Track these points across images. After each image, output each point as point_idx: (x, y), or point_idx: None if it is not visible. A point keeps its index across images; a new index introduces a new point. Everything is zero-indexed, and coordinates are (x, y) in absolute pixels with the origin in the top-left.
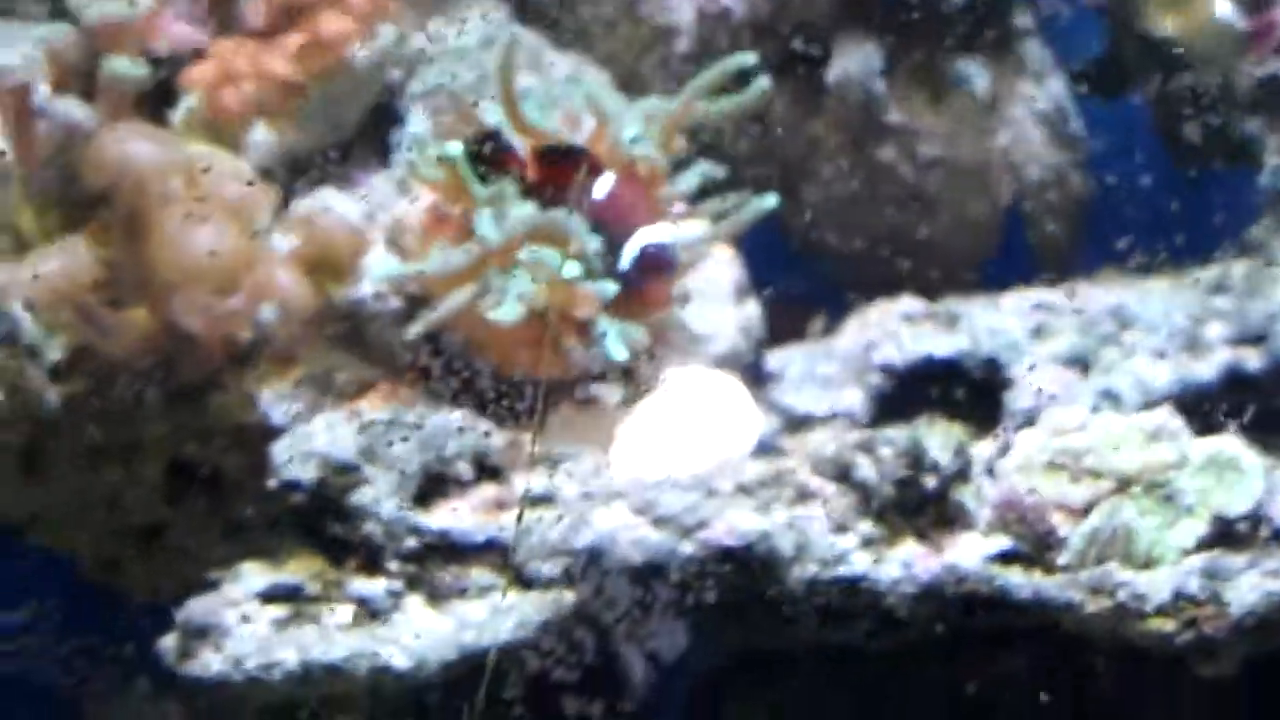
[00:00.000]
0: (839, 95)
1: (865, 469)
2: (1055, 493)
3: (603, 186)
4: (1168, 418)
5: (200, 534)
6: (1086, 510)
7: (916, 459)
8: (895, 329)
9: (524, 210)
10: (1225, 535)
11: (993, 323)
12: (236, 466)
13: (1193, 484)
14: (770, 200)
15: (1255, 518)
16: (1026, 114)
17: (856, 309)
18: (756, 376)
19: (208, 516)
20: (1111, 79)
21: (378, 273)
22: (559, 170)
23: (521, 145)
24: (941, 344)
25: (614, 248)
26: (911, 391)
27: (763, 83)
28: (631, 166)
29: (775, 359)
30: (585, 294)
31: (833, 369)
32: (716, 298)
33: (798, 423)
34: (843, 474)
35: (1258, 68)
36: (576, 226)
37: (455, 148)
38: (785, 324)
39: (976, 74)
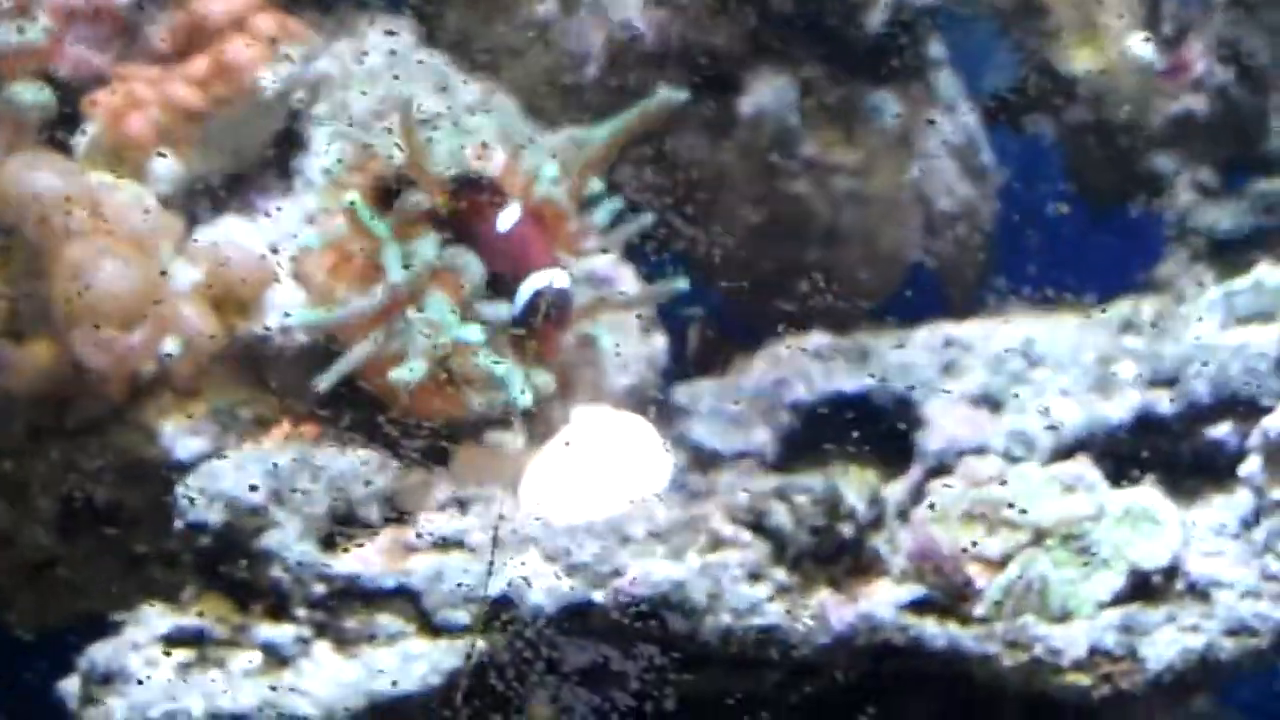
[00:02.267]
0: (752, 128)
1: (781, 516)
2: (972, 543)
3: (508, 219)
4: (1085, 469)
5: (95, 569)
6: (1003, 562)
7: (833, 506)
8: (805, 365)
9: (427, 249)
10: (1142, 588)
11: (903, 359)
12: (136, 501)
13: (1109, 536)
14: (645, 218)
15: (1171, 570)
16: (938, 146)
17: (765, 343)
18: (664, 411)
19: (104, 552)
20: (1021, 110)
21: (290, 320)
22: (467, 200)
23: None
24: (851, 381)
25: (512, 287)
26: (821, 429)
27: (677, 94)
28: (541, 203)
29: (683, 393)
30: (473, 347)
31: (742, 405)
32: (623, 329)
33: (706, 460)
34: (758, 521)
35: (1170, 104)
36: (472, 267)
37: (352, 197)
38: (695, 357)
39: (889, 105)
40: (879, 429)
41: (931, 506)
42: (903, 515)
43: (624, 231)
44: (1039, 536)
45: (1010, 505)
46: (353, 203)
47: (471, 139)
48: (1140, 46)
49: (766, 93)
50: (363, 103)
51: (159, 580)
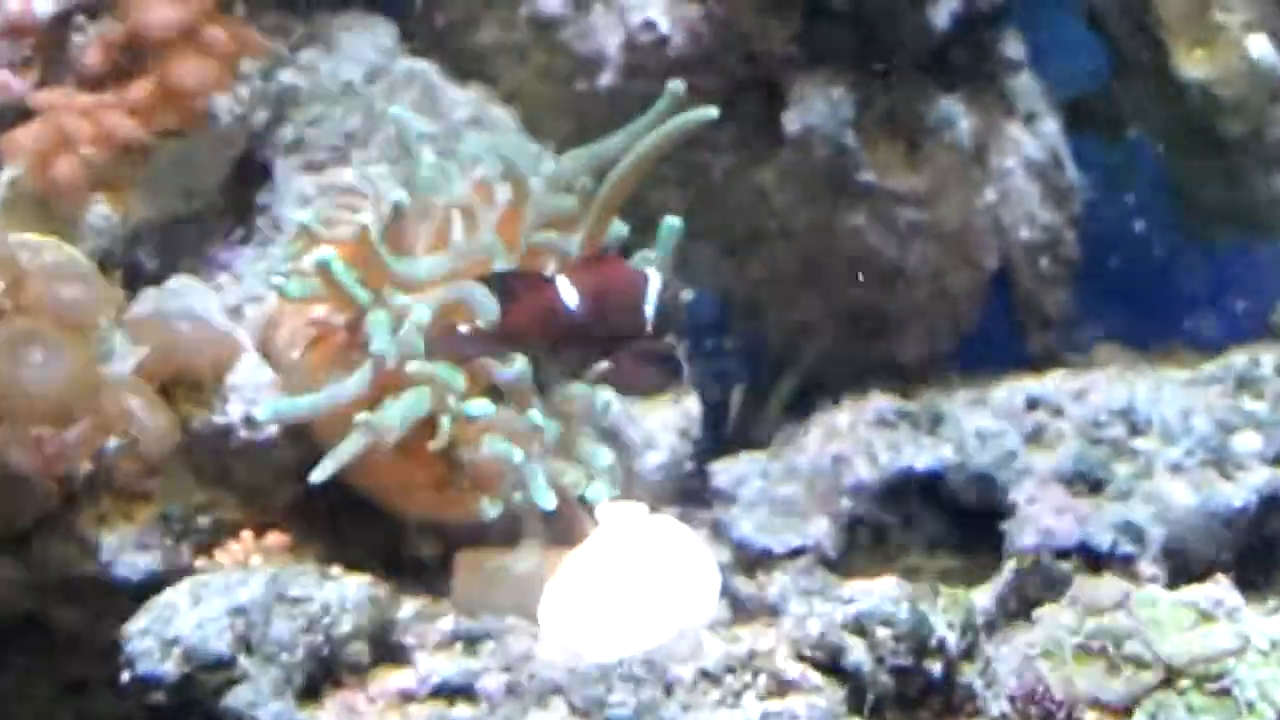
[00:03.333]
0: (800, 148)
1: (858, 653)
2: (1089, 685)
3: (569, 293)
4: (1224, 591)
5: (25, 700)
6: (1128, 709)
7: (920, 641)
8: (866, 437)
9: (421, 317)
10: None
11: (981, 425)
12: (71, 622)
13: (1254, 675)
14: (674, 222)
15: None
16: (1017, 164)
17: (818, 407)
18: (701, 494)
19: (36, 678)
20: (1112, 117)
21: (262, 414)
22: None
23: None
24: (923, 456)
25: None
26: (887, 516)
27: (709, 111)
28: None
29: (724, 473)
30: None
31: (794, 489)
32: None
33: (753, 557)
34: (831, 660)
35: None
36: (484, 297)
37: (328, 254)
38: (737, 426)
39: (959, 116)
40: (956, 514)
41: (1038, 636)
42: (989, 627)
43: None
44: (1171, 677)
45: (1134, 637)
46: (326, 263)
47: (461, 170)
48: (1261, 48)
49: (817, 105)
50: (338, 123)
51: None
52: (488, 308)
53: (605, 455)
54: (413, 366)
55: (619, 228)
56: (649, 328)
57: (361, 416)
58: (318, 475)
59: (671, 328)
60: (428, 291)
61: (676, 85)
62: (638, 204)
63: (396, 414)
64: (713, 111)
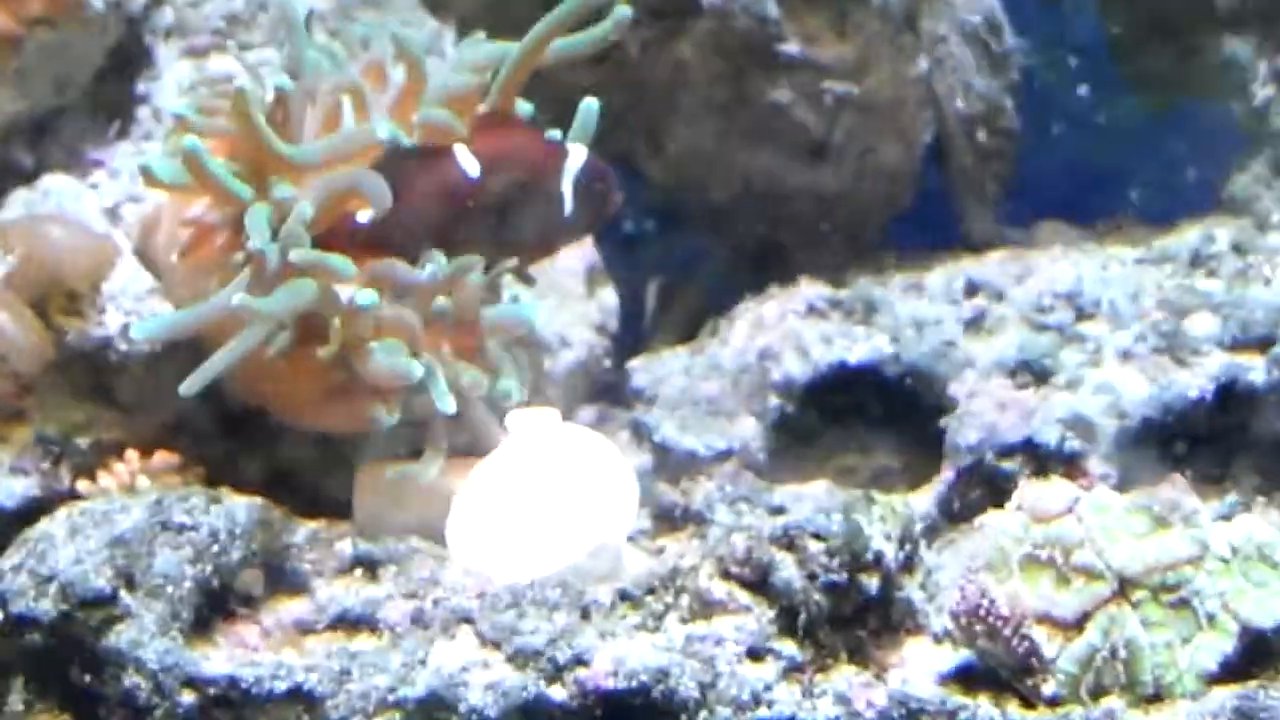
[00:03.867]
0: (719, 17)
1: (788, 570)
2: (1037, 599)
3: (468, 161)
4: (1181, 494)
5: None
6: (1079, 624)
7: (855, 555)
8: (796, 329)
9: (304, 209)
10: (1259, 654)
11: (918, 313)
12: None
13: (1215, 584)
14: (592, 105)
15: None
16: (951, 30)
17: (741, 290)
18: (619, 394)
19: None
20: None
21: (135, 333)
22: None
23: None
24: (856, 348)
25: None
26: (819, 413)
27: (624, 10)
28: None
29: (643, 370)
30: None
31: (719, 386)
32: (563, 285)
33: (677, 463)
34: (759, 577)
35: None
36: (372, 182)
37: (194, 141)
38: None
39: None
40: (893, 410)
41: (983, 546)
42: (930, 533)
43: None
44: (1124, 588)
45: (1085, 545)
46: (195, 150)
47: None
48: None
49: None
50: (220, 4)
51: None
52: (379, 193)
53: (512, 355)
54: (296, 255)
55: (524, 107)
56: (567, 210)
57: (239, 298)
58: (188, 387)
59: (597, 215)
60: (311, 182)
61: None
62: (547, 82)
63: (280, 301)
64: (624, 10)
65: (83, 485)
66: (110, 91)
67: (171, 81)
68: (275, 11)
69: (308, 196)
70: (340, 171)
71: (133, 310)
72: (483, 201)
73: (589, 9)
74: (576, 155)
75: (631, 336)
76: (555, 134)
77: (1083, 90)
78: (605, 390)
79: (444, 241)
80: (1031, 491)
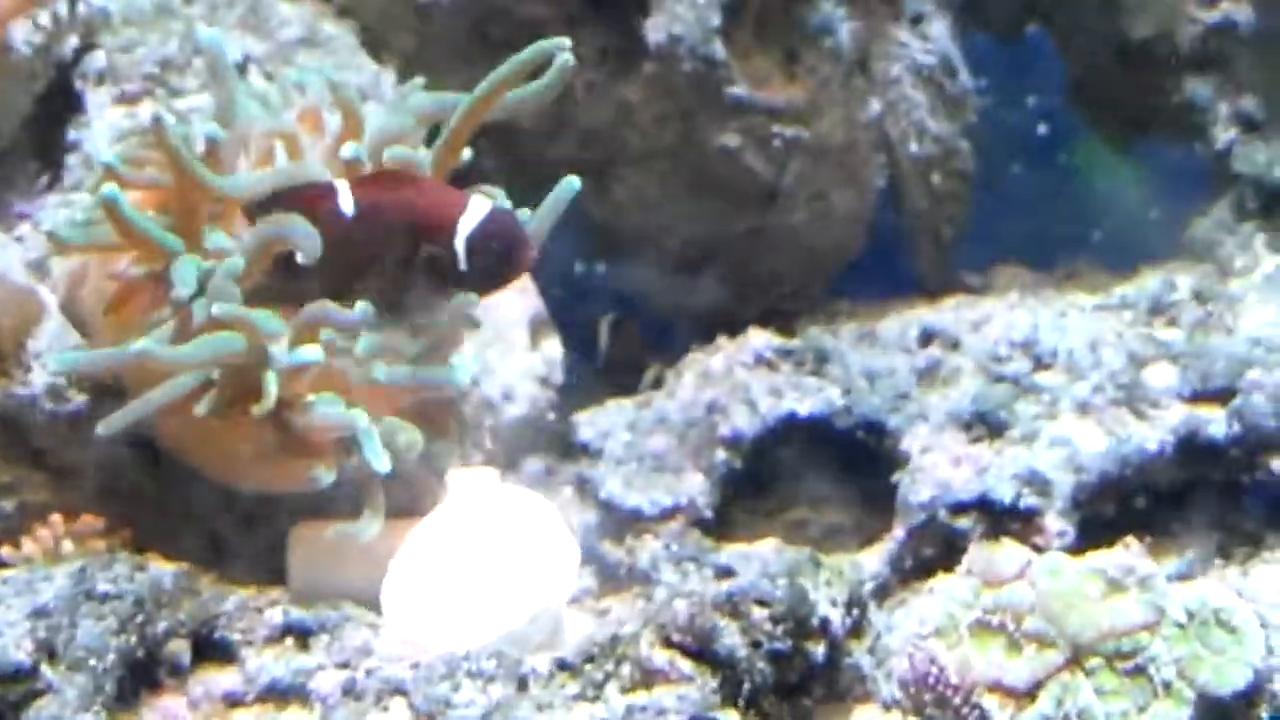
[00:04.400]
0: (664, 60)
1: (731, 637)
2: (988, 667)
3: (345, 199)
4: (1135, 558)
5: None
6: (1031, 693)
7: (799, 620)
8: (744, 380)
9: (234, 264)
10: None
11: (870, 363)
12: None
13: (1171, 651)
14: (572, 183)
15: (1252, 696)
16: (904, 71)
17: (690, 347)
18: (564, 448)
19: None
20: (1007, 15)
21: (54, 364)
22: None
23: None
24: (806, 400)
25: (418, 259)
26: (769, 467)
27: (566, 59)
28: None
29: (589, 424)
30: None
31: (665, 441)
32: (506, 336)
33: (621, 519)
34: (701, 645)
35: (1206, 11)
36: (302, 230)
37: (113, 189)
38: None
39: (839, 20)
40: (845, 464)
41: (932, 610)
42: (881, 591)
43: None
44: (1078, 655)
45: (1038, 611)
46: (112, 199)
47: (286, 97)
48: None
49: (681, 12)
50: (153, 49)
51: None
52: (309, 241)
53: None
54: (220, 309)
55: (465, 156)
56: (462, 265)
57: (143, 344)
58: (106, 426)
59: (494, 274)
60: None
61: (559, 42)
62: (490, 123)
63: (198, 350)
64: (566, 42)
65: (5, 551)
66: (39, 139)
67: (103, 128)
68: (207, 57)
69: (237, 249)
70: (268, 220)
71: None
72: (359, 242)
73: (536, 62)
74: (475, 210)
75: (575, 383)
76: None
77: (1041, 131)
78: (551, 442)
79: (334, 279)
80: (982, 555)
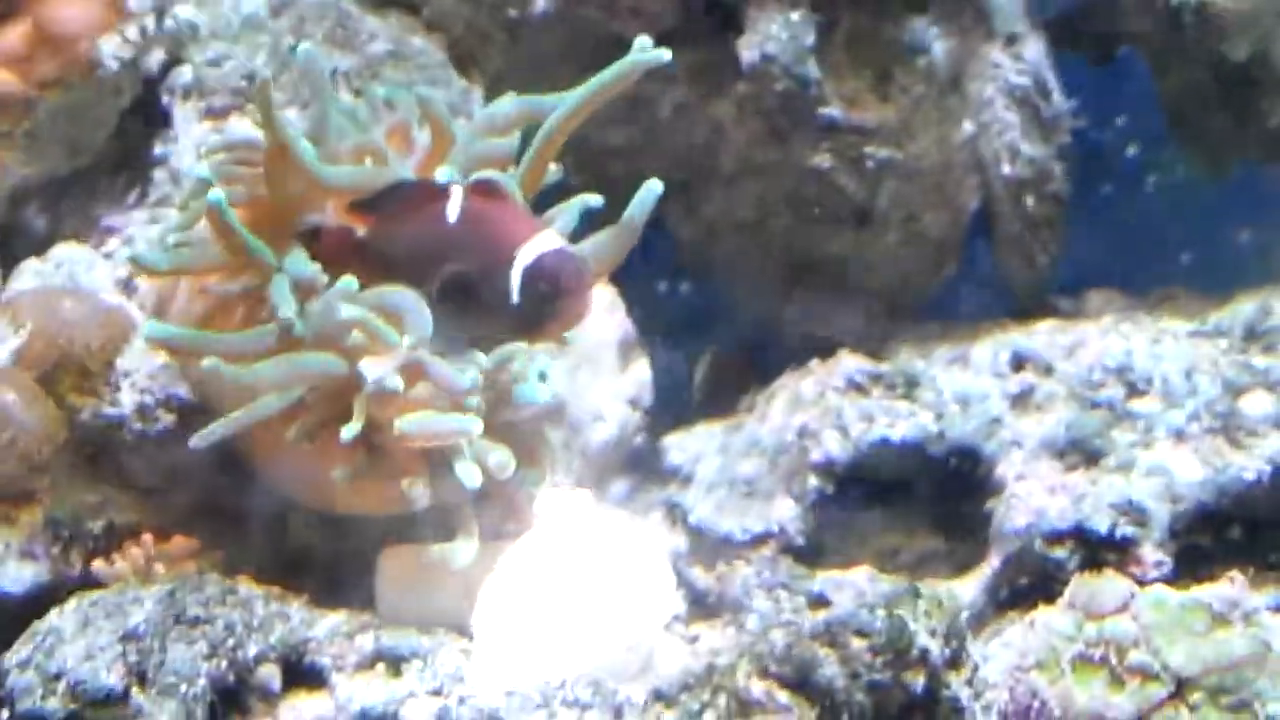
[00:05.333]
0: (757, 79)
1: (830, 669)
2: (1090, 700)
3: (454, 207)
4: (1239, 592)
5: None
6: None
7: (899, 651)
8: (836, 405)
9: (346, 285)
10: None
11: (963, 388)
12: None
13: (1276, 686)
14: (655, 187)
15: None
16: (997, 92)
17: (781, 369)
18: (653, 469)
19: None
20: (1100, 36)
21: (145, 332)
22: (393, 210)
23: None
24: (898, 425)
25: (488, 282)
26: (860, 494)
27: (662, 53)
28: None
29: (678, 448)
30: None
31: (756, 466)
32: (595, 358)
33: (713, 547)
34: (799, 676)
35: None
36: (417, 311)
37: (219, 194)
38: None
39: (933, 40)
40: (937, 490)
41: (1033, 643)
42: (977, 620)
43: (604, 244)
44: (1181, 689)
45: (1141, 644)
46: (215, 202)
47: (375, 113)
48: None
49: (775, 32)
50: (241, 62)
51: None
52: (420, 325)
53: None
54: (348, 311)
55: (589, 200)
56: (514, 299)
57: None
58: (198, 440)
59: (538, 317)
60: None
61: (645, 41)
62: (578, 142)
63: (308, 366)
64: (666, 55)
65: (98, 565)
66: (126, 154)
67: (189, 143)
68: (301, 71)
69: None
70: (392, 292)
71: (146, 388)
72: (450, 248)
73: (624, 81)
74: (536, 245)
75: (664, 406)
76: (565, 217)
77: (1134, 153)
78: (638, 465)
79: (419, 277)
80: (1084, 588)
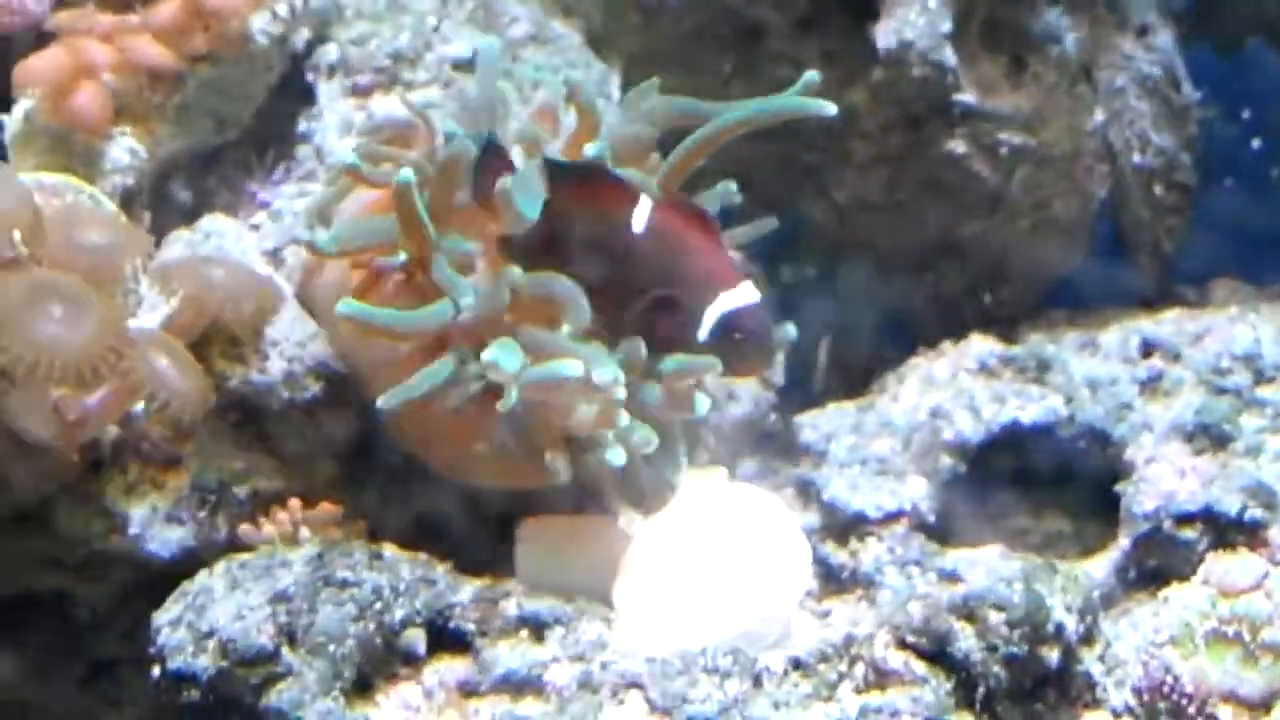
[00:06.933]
0: (893, 65)
1: (967, 641)
2: (1223, 677)
3: (641, 216)
4: None
5: (48, 683)
6: (1267, 704)
7: (1035, 625)
8: (967, 386)
9: (512, 271)
10: None
11: (1092, 373)
12: (97, 600)
13: None
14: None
15: None
16: (1128, 81)
17: (913, 351)
18: (786, 448)
19: (59, 659)
20: (1231, 26)
21: (340, 308)
22: (578, 193)
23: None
24: (1029, 407)
25: (673, 304)
26: (991, 474)
27: (811, 75)
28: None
29: (811, 426)
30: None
31: (888, 445)
32: None
33: (845, 522)
34: (936, 647)
35: None
36: (577, 299)
37: (409, 175)
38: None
39: (1066, 29)
40: (1067, 472)
41: (1167, 620)
42: (1106, 600)
43: (744, 233)
44: None
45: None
46: (405, 181)
47: (521, 95)
48: None
49: (912, 17)
50: (386, 41)
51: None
52: (577, 311)
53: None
54: (531, 281)
55: (729, 187)
56: (702, 337)
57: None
58: (385, 401)
59: (726, 360)
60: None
61: (812, 76)
62: None
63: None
64: (831, 108)
65: (245, 529)
66: (273, 129)
67: (334, 121)
68: (479, 64)
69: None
70: (552, 277)
71: (294, 356)
72: (630, 261)
73: (793, 115)
74: (743, 294)
75: (795, 386)
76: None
77: (1261, 144)
78: (769, 443)
79: (595, 273)
80: (1219, 565)
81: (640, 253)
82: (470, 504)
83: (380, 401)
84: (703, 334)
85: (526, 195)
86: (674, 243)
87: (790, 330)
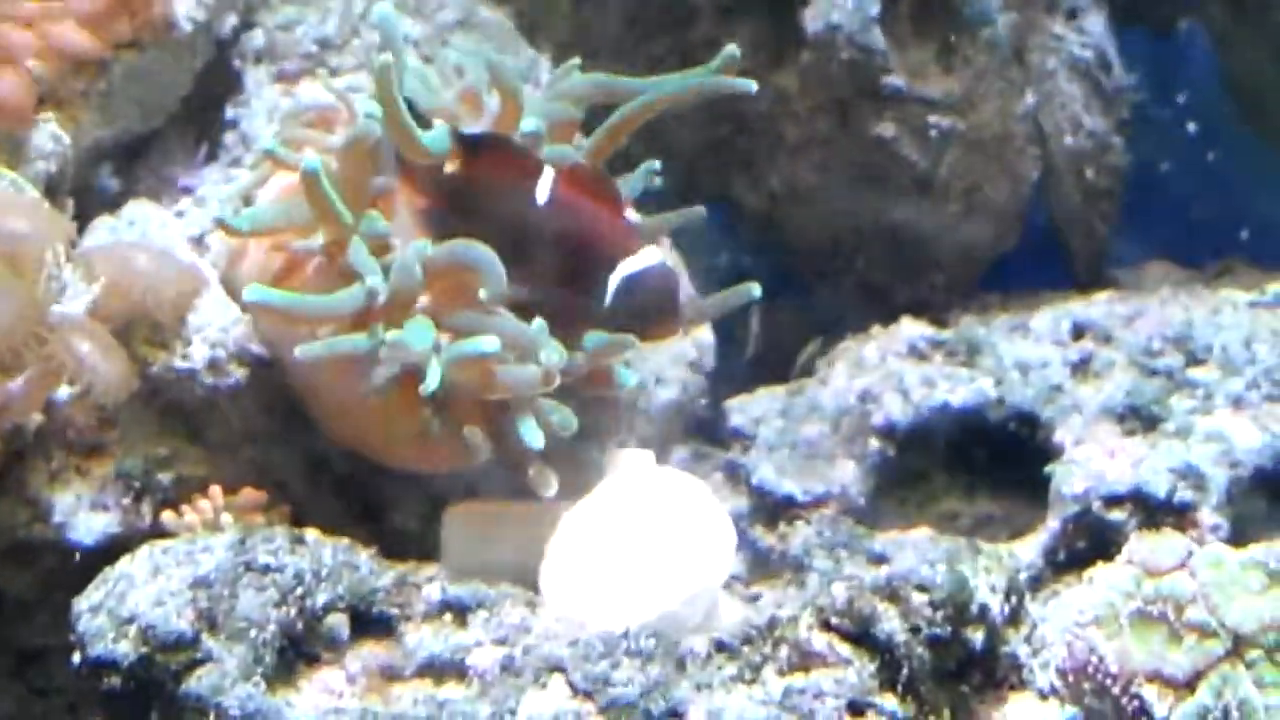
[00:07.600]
0: (822, 48)
1: (890, 622)
2: (1148, 656)
3: (544, 187)
4: None
5: None
6: (1191, 683)
7: (959, 607)
8: (897, 369)
9: (420, 244)
10: None
11: (1023, 355)
12: (22, 589)
13: None
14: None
15: None
16: (1059, 64)
17: (843, 335)
18: (714, 432)
19: None
20: (1162, 9)
21: (247, 295)
22: (481, 168)
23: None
24: (959, 391)
25: (575, 273)
26: (920, 457)
27: (731, 49)
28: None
29: (740, 411)
30: (515, 378)
31: (818, 429)
32: None
33: (775, 508)
34: (860, 629)
35: None
36: (492, 265)
37: (316, 161)
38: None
39: (996, 11)
40: (996, 454)
41: (1091, 600)
42: (1034, 583)
43: (672, 219)
44: (1238, 647)
45: (1199, 602)
46: (312, 169)
47: (446, 79)
48: None
49: (840, 1)
50: (312, 27)
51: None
52: (494, 280)
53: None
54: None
55: (652, 166)
56: (606, 301)
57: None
58: (301, 353)
59: (633, 328)
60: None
61: (733, 50)
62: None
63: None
64: (752, 86)
65: (167, 516)
66: (198, 116)
67: (261, 107)
68: (376, 35)
69: (428, 251)
70: (464, 245)
71: (218, 342)
72: (535, 231)
73: (715, 91)
74: (644, 257)
75: (726, 371)
76: (636, 218)
77: (1194, 127)
78: (700, 428)
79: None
80: (1143, 545)
81: (544, 224)
82: (397, 488)
83: (297, 351)
84: (607, 299)
85: (434, 134)
86: (576, 213)
87: (755, 290)
